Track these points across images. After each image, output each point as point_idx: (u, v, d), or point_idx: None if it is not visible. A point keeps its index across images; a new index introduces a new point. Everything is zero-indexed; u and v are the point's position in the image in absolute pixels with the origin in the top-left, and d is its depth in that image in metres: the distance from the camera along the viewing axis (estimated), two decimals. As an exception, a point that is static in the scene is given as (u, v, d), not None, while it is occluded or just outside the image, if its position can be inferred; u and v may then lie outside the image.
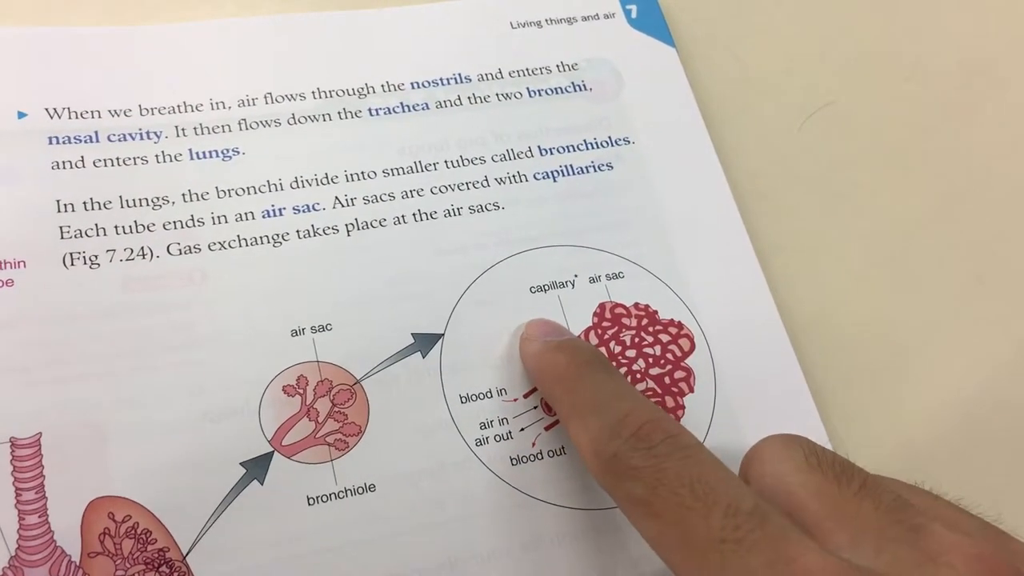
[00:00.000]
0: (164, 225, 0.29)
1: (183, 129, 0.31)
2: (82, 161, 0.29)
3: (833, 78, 0.38)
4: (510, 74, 0.35)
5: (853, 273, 0.34)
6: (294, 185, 0.31)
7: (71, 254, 0.28)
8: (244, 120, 0.31)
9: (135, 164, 0.30)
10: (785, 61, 0.38)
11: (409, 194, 0.31)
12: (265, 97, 0.32)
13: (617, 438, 0.23)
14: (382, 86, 0.33)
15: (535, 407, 0.29)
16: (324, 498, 0.26)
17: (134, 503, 0.25)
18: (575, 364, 0.26)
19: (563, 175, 0.33)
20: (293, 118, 0.32)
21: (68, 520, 0.25)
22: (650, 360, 0.30)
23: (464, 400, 0.28)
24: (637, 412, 0.23)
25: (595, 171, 0.33)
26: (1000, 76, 0.39)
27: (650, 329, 0.30)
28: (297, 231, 0.30)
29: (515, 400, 0.29)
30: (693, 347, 0.30)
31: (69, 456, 0.25)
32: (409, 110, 0.33)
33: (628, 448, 0.22)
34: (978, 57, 0.39)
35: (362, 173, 0.31)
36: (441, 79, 0.34)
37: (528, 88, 0.34)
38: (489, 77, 0.34)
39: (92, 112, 0.30)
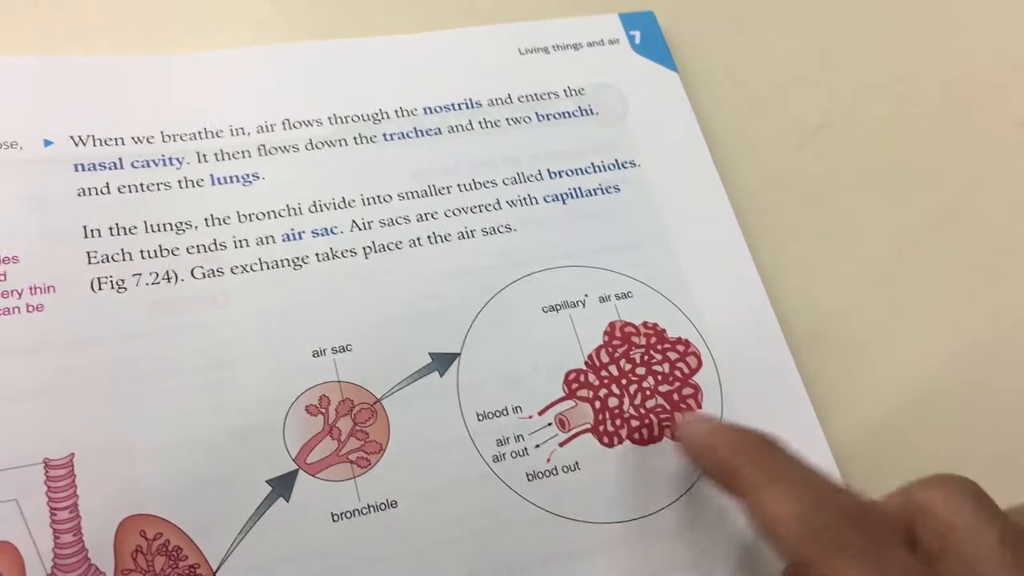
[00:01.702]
0: (188, 249, 0.30)
1: (204, 155, 0.32)
2: (107, 187, 0.30)
3: (829, 101, 0.39)
4: (519, 99, 0.36)
5: (852, 290, 0.35)
6: (313, 209, 0.31)
7: (99, 279, 0.29)
8: (263, 146, 0.32)
9: (158, 189, 0.31)
10: (782, 85, 0.39)
11: (424, 217, 0.32)
12: (283, 123, 0.33)
13: (826, 510, 0.22)
14: (396, 111, 0.34)
15: (549, 424, 0.29)
16: (348, 514, 0.27)
17: (165, 521, 0.26)
18: (759, 438, 0.26)
19: (572, 197, 0.34)
20: (311, 143, 0.33)
21: (101, 538, 0.25)
22: (659, 377, 0.31)
23: (481, 418, 0.29)
24: (843, 492, 0.23)
25: (603, 193, 0.34)
26: (991, 95, 0.40)
27: (659, 347, 0.31)
28: (316, 254, 0.31)
29: (530, 417, 0.29)
30: (700, 364, 0.31)
31: (101, 476, 0.26)
32: (422, 135, 0.34)
33: (841, 522, 0.22)
34: (970, 78, 0.41)
35: (378, 197, 0.32)
36: (453, 104, 0.35)
37: (537, 112, 0.35)
38: (499, 102, 0.35)
39: (116, 139, 0.31)
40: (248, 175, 0.32)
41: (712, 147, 0.36)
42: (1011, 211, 0.37)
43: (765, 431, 0.26)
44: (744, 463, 0.25)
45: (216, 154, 0.32)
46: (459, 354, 0.30)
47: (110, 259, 0.29)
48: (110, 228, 0.30)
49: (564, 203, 0.34)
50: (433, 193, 0.33)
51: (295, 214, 0.31)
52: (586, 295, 0.32)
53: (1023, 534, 0.22)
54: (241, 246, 0.30)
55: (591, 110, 0.36)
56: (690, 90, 0.37)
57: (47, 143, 0.30)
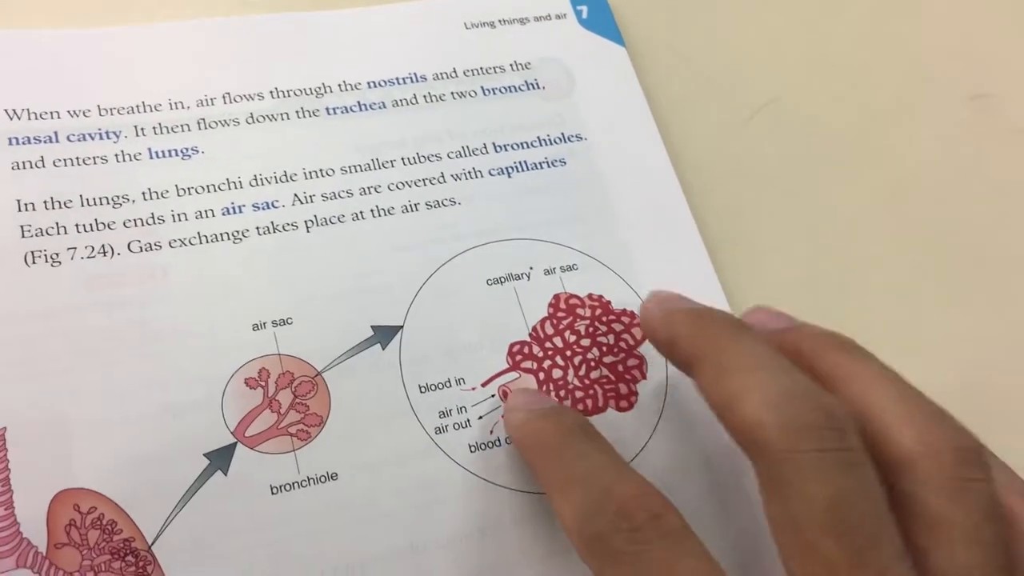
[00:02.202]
0: (124, 223, 0.29)
1: (142, 129, 0.31)
2: (42, 161, 0.30)
3: (777, 76, 0.39)
4: (465, 73, 0.35)
5: (798, 265, 0.35)
6: (253, 183, 0.31)
7: (32, 252, 0.28)
8: (203, 120, 0.32)
9: (95, 163, 0.30)
10: (731, 60, 0.39)
11: (367, 191, 0.32)
12: (223, 97, 0.32)
13: (601, 514, 0.22)
14: (339, 85, 0.34)
15: (492, 395, 0.29)
16: (287, 487, 0.27)
17: (99, 495, 0.26)
18: (559, 432, 0.26)
19: (517, 171, 0.34)
20: (251, 117, 0.32)
21: (34, 512, 0.25)
22: (604, 349, 0.31)
23: (423, 390, 0.29)
24: (621, 485, 0.23)
25: (549, 167, 0.34)
26: (942, 72, 0.41)
27: (604, 319, 0.31)
28: (257, 228, 0.30)
29: (473, 389, 0.29)
30: (645, 336, 0.31)
31: (34, 450, 0.26)
32: (366, 109, 0.34)
33: (611, 528, 0.22)
34: (921, 54, 0.41)
35: (320, 171, 0.32)
36: (397, 78, 0.35)
37: (482, 87, 0.35)
38: (444, 76, 0.35)
39: (51, 113, 0.31)
40: (187, 149, 0.31)
41: (659, 121, 0.36)
42: (960, 189, 0.38)
43: (575, 414, 0.27)
44: (544, 464, 0.25)
45: (155, 128, 0.31)
46: (402, 327, 0.30)
47: (44, 233, 0.29)
48: (45, 202, 0.29)
49: (510, 177, 0.33)
50: (377, 167, 0.32)
51: (235, 188, 0.31)
52: (531, 268, 0.32)
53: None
54: (180, 220, 0.30)
55: (537, 84, 0.36)
56: (637, 64, 0.37)
57: (-20, 117, 0.30)
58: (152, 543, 0.25)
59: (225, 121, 0.32)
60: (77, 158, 0.30)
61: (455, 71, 0.35)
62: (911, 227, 0.37)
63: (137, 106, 0.32)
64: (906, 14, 0.42)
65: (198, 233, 0.30)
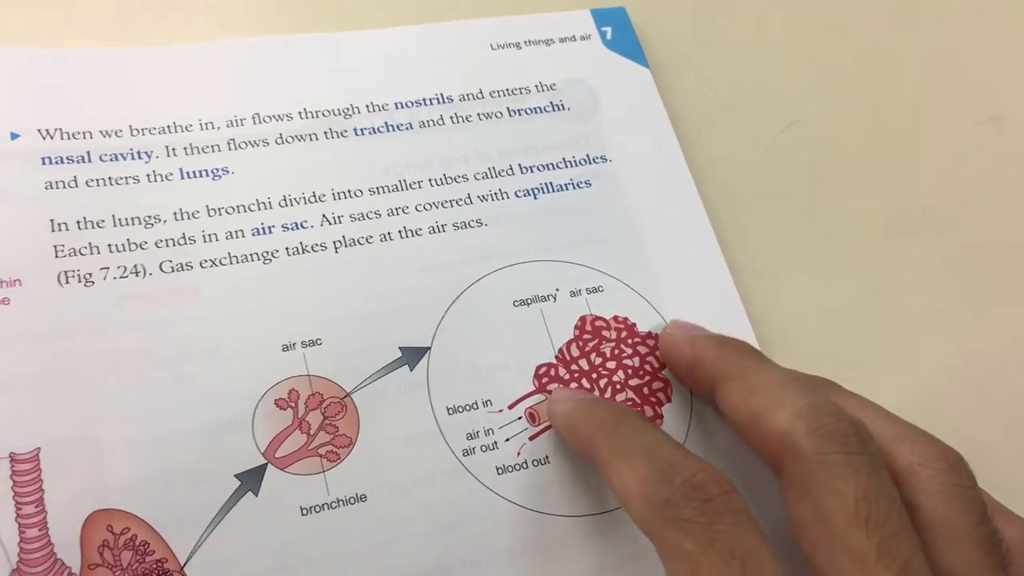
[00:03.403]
0: (156, 243, 0.30)
1: (173, 149, 0.31)
2: (75, 181, 0.30)
3: (799, 98, 0.40)
4: (491, 94, 0.36)
5: (820, 286, 0.35)
6: (283, 203, 0.31)
7: (66, 272, 0.28)
8: (233, 140, 0.32)
9: (127, 183, 0.30)
10: (753, 81, 0.40)
11: (395, 212, 0.32)
12: (253, 118, 0.33)
13: (669, 483, 0.23)
14: (367, 106, 0.34)
15: (519, 418, 0.30)
16: (317, 508, 0.27)
17: (132, 515, 0.26)
18: (613, 412, 0.27)
19: (543, 192, 0.34)
20: (281, 138, 0.33)
21: (68, 533, 0.25)
22: (629, 371, 0.31)
23: (451, 412, 0.29)
24: (687, 460, 0.24)
25: (574, 188, 0.34)
26: (960, 93, 0.41)
27: (629, 341, 0.32)
28: (286, 248, 0.31)
29: (500, 411, 0.30)
30: (664, 359, 0.32)
31: (68, 470, 0.26)
32: (393, 130, 0.34)
33: (680, 496, 0.22)
34: (939, 76, 0.41)
35: (349, 191, 0.32)
36: (424, 99, 0.35)
37: (508, 108, 0.35)
38: (470, 97, 0.35)
39: (84, 133, 0.31)
40: (218, 169, 0.31)
41: (683, 142, 0.36)
42: (977, 208, 0.38)
43: (622, 406, 0.28)
44: (601, 437, 0.26)
45: (185, 148, 0.32)
46: (429, 348, 0.30)
47: (77, 252, 0.29)
48: (78, 222, 0.29)
49: (535, 198, 0.34)
50: (404, 188, 0.33)
51: (265, 208, 0.31)
52: (557, 289, 0.32)
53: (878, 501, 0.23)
54: (210, 240, 0.30)
55: (562, 105, 0.36)
56: (661, 86, 0.37)
57: (13, 136, 0.30)
58: (184, 564, 0.26)
59: (255, 142, 0.32)
60: (109, 178, 0.30)
61: (481, 92, 0.36)
62: (932, 248, 0.37)
63: (168, 126, 0.32)
64: (923, 38, 0.42)
65: (228, 253, 0.30)
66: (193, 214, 0.30)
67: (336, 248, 0.31)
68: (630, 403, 0.30)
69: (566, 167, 0.35)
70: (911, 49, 0.42)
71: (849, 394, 0.27)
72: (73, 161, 0.30)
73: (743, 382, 0.26)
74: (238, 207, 0.31)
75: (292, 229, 0.31)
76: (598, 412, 0.27)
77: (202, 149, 0.32)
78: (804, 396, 0.24)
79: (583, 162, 0.35)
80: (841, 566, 0.22)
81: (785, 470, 0.24)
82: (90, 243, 0.29)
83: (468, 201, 0.33)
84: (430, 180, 0.33)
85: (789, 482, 0.24)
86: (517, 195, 0.34)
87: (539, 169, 0.34)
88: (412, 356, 0.30)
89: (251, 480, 0.27)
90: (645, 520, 0.23)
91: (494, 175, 0.34)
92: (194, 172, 0.31)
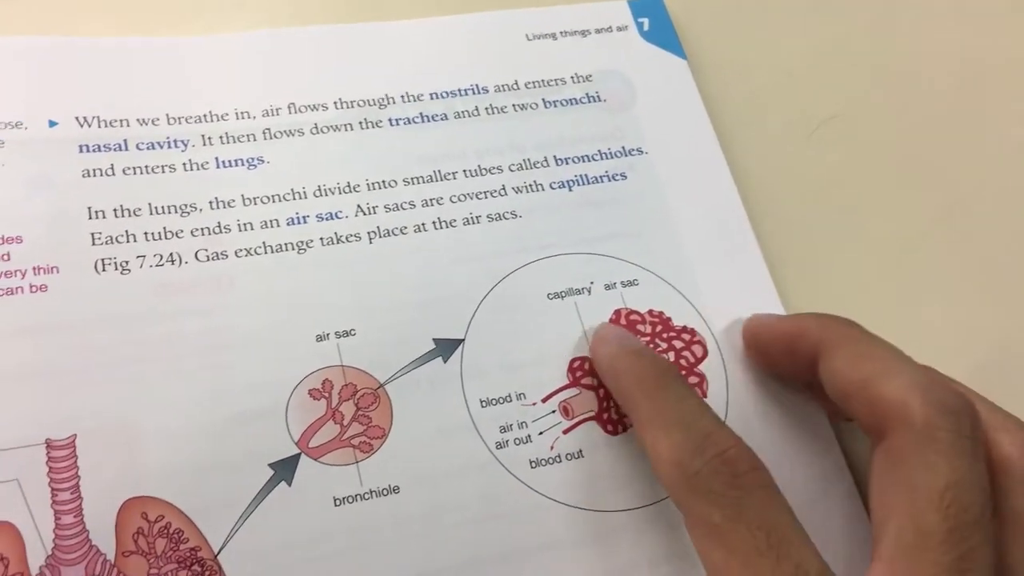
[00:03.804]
0: (192, 232, 0.30)
1: (209, 138, 0.31)
2: (112, 169, 0.30)
3: (839, 91, 0.39)
4: (526, 85, 0.35)
5: (858, 281, 0.35)
6: (317, 193, 0.31)
7: (103, 260, 0.29)
8: (268, 129, 0.32)
9: (163, 172, 0.30)
10: (792, 74, 0.39)
11: (429, 202, 0.32)
12: (289, 107, 0.33)
13: (701, 456, 0.23)
14: (402, 97, 0.34)
15: (553, 411, 0.29)
16: (350, 499, 0.27)
17: (166, 503, 0.26)
18: (657, 371, 0.27)
19: (578, 184, 0.34)
20: (316, 128, 0.33)
21: (103, 520, 0.25)
22: (664, 366, 0.31)
23: (484, 404, 0.29)
24: (722, 434, 0.24)
25: (609, 180, 0.34)
26: (1002, 87, 0.40)
27: (664, 335, 0.31)
28: (321, 238, 0.30)
29: (534, 404, 0.29)
30: (706, 353, 0.31)
31: (103, 457, 0.26)
32: (428, 120, 0.34)
33: (711, 469, 0.23)
34: (981, 70, 0.40)
35: (383, 182, 0.32)
36: (459, 90, 0.35)
37: (544, 99, 0.35)
38: (506, 88, 0.35)
39: (121, 121, 0.31)
40: (253, 159, 0.31)
41: (720, 135, 0.36)
42: (1020, 205, 0.37)
43: (668, 361, 0.28)
44: (641, 397, 0.26)
45: (221, 137, 0.32)
46: (463, 340, 0.30)
47: (114, 241, 0.29)
48: (115, 210, 0.29)
49: (570, 190, 0.33)
50: (439, 179, 0.33)
51: (300, 198, 0.31)
52: (592, 282, 0.32)
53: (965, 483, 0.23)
54: (245, 229, 0.30)
55: (598, 97, 0.36)
56: (698, 78, 0.37)
57: (52, 124, 0.30)
58: (218, 553, 0.26)
59: (290, 131, 0.32)
60: (146, 166, 0.30)
61: (516, 83, 0.35)
62: (973, 241, 0.36)
63: (205, 115, 0.32)
64: (965, 27, 0.41)
65: (263, 243, 0.30)
66: (229, 203, 0.30)
67: (370, 239, 0.31)
68: (665, 398, 0.30)
69: (602, 159, 0.34)
70: (952, 43, 0.41)
71: (949, 378, 0.27)
72: (110, 149, 0.30)
73: (852, 349, 0.26)
74: (273, 196, 0.31)
75: (327, 219, 0.31)
76: (642, 366, 0.27)
77: (238, 138, 0.32)
78: (919, 369, 0.25)
79: (619, 154, 0.35)
80: (905, 539, 0.22)
81: (887, 436, 0.24)
82: (127, 231, 0.29)
83: (503, 192, 0.33)
84: (465, 171, 0.33)
85: (887, 449, 0.24)
86: (552, 187, 0.33)
87: (574, 161, 0.34)
88: (446, 348, 0.30)
89: (285, 470, 0.27)
90: (674, 488, 0.24)
91: (529, 167, 0.34)
92: (230, 161, 0.31)
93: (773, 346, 0.30)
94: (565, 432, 0.29)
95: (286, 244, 0.30)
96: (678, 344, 0.31)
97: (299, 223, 0.31)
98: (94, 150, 0.30)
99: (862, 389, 0.25)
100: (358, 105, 0.33)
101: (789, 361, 0.29)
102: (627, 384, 0.27)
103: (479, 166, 0.33)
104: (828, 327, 0.28)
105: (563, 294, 0.31)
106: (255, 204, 0.31)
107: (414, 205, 0.32)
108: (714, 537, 0.22)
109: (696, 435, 0.24)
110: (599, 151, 0.34)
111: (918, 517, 0.22)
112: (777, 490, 0.23)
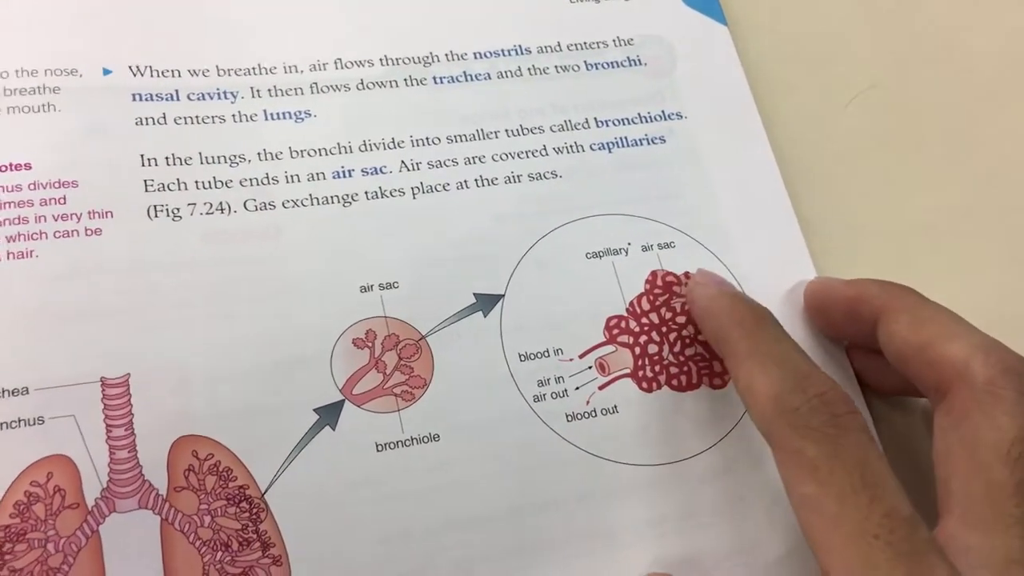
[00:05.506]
0: (241, 182, 0.30)
1: (258, 90, 0.32)
2: (164, 118, 0.31)
3: (879, 60, 0.39)
4: (568, 47, 0.36)
5: (894, 250, 0.35)
6: (362, 148, 0.32)
7: (155, 206, 0.29)
8: (315, 84, 0.33)
9: (213, 122, 0.31)
10: (833, 42, 0.39)
11: (471, 160, 0.32)
12: (335, 63, 0.33)
13: (801, 393, 0.24)
14: (446, 55, 0.34)
15: (590, 367, 0.30)
16: (392, 445, 0.28)
17: (216, 442, 0.27)
18: (755, 313, 0.28)
19: (618, 146, 0.34)
20: (362, 83, 0.33)
21: (155, 456, 0.26)
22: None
23: (523, 358, 0.30)
24: (820, 375, 0.25)
25: (648, 144, 0.34)
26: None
27: (699, 297, 0.32)
28: (365, 192, 0.31)
29: (571, 360, 0.30)
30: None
31: (155, 396, 0.27)
32: (472, 79, 0.34)
33: (810, 408, 0.24)
34: (1021, 39, 0.40)
35: (427, 139, 0.32)
36: (503, 50, 0.35)
37: (585, 61, 0.35)
38: (548, 50, 0.35)
39: (173, 71, 0.32)
40: (300, 112, 0.32)
41: (759, 101, 0.36)
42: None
43: (763, 307, 0.28)
44: (740, 335, 0.27)
45: (270, 90, 0.32)
46: (503, 295, 0.30)
47: (166, 188, 0.30)
48: (166, 158, 0.30)
49: (610, 152, 0.34)
50: (481, 137, 0.33)
51: (345, 152, 0.32)
52: (629, 243, 0.32)
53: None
54: (292, 181, 0.31)
55: (639, 61, 0.36)
56: (739, 44, 0.37)
57: (106, 72, 0.31)
58: (265, 492, 0.26)
59: (336, 86, 0.33)
60: (197, 116, 0.31)
61: (559, 45, 0.36)
62: (1011, 212, 0.36)
63: (253, 68, 0.32)
64: (1008, 3, 0.41)
65: (310, 195, 0.31)
66: (276, 155, 0.31)
67: (414, 194, 0.31)
68: (699, 357, 0.31)
69: (641, 122, 0.35)
70: (993, 13, 0.41)
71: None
72: (162, 99, 0.31)
73: (913, 314, 0.27)
74: (319, 150, 0.31)
75: (371, 174, 0.31)
76: (740, 308, 0.28)
77: (285, 91, 0.32)
78: (980, 333, 0.26)
79: (658, 118, 0.35)
80: (974, 493, 0.23)
81: (949, 396, 0.25)
82: (178, 179, 0.30)
83: (544, 153, 0.33)
84: (507, 131, 0.33)
85: (948, 408, 0.25)
86: (592, 148, 0.34)
87: (614, 124, 0.34)
88: (486, 303, 0.30)
89: (329, 415, 0.28)
90: (770, 421, 0.24)
91: (570, 128, 0.34)
92: (278, 114, 0.32)
93: (834, 309, 0.31)
94: (601, 388, 0.30)
95: (332, 197, 0.31)
96: (713, 306, 0.32)
97: (345, 177, 0.31)
98: (147, 99, 0.31)
99: (923, 351, 0.26)
100: (403, 62, 0.34)
101: (849, 324, 0.30)
102: (726, 323, 0.28)
103: (521, 126, 0.34)
104: (889, 292, 0.28)
105: (601, 254, 0.32)
106: (302, 157, 0.31)
107: (456, 163, 0.32)
108: (808, 471, 0.23)
109: (796, 374, 0.25)
110: (639, 114, 0.35)
111: (986, 472, 0.23)
112: (872, 435, 0.24)
